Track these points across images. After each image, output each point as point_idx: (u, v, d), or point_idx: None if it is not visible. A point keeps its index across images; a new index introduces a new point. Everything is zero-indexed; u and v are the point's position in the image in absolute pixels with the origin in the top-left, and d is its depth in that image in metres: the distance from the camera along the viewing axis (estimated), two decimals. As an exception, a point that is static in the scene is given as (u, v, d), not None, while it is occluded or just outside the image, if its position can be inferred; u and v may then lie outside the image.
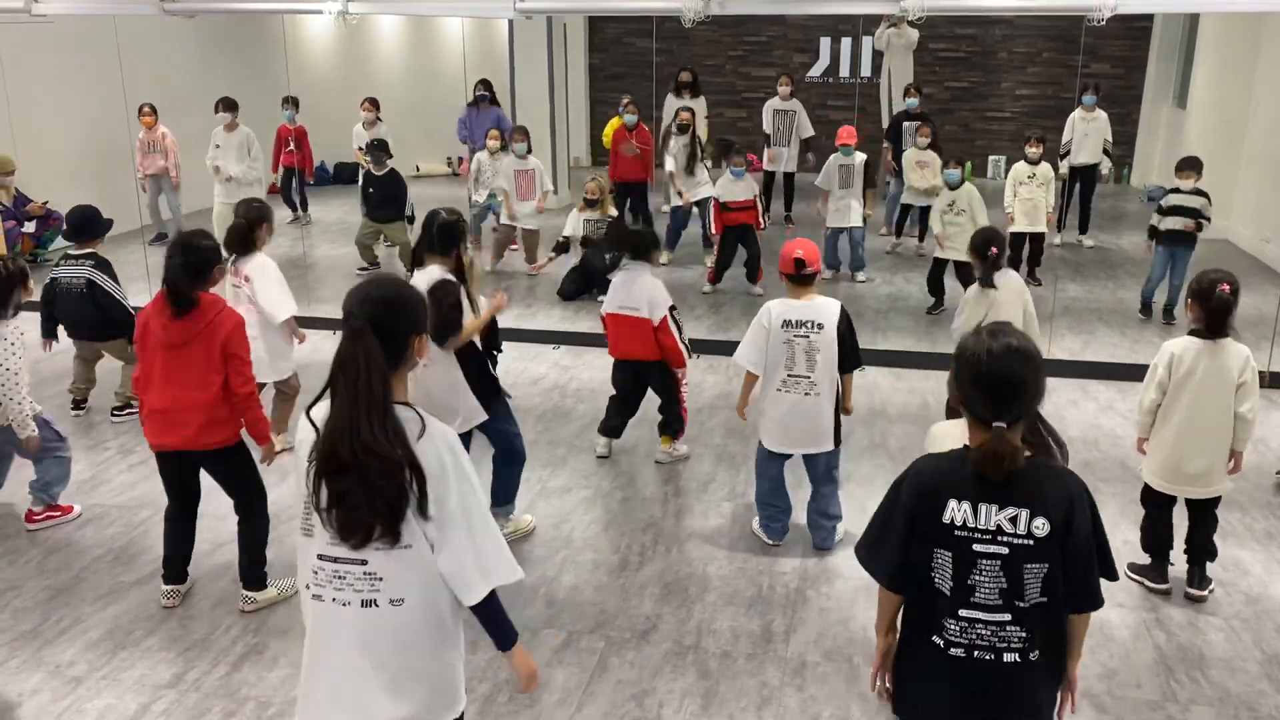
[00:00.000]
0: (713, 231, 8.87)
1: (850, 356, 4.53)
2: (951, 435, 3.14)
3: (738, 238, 8.60)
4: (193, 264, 3.91)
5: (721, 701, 3.69)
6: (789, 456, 4.71)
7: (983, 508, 2.28)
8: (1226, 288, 4.03)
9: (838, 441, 4.60)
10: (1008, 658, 2.32)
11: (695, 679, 3.81)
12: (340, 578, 2.33)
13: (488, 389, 4.53)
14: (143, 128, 9.61)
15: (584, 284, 8.54)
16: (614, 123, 10.25)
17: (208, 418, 3.95)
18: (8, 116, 9.13)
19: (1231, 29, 10.78)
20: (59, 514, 4.95)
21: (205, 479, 4.21)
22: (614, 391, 5.67)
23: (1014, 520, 2.27)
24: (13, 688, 3.75)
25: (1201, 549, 4.32)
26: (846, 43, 14.05)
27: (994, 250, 5.22)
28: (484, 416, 4.51)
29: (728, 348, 7.26)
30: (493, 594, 2.41)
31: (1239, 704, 3.70)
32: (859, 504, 5.09)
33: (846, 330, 4.49)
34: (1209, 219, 7.61)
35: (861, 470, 5.49)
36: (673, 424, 5.61)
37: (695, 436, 5.94)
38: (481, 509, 2.39)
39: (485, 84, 10.47)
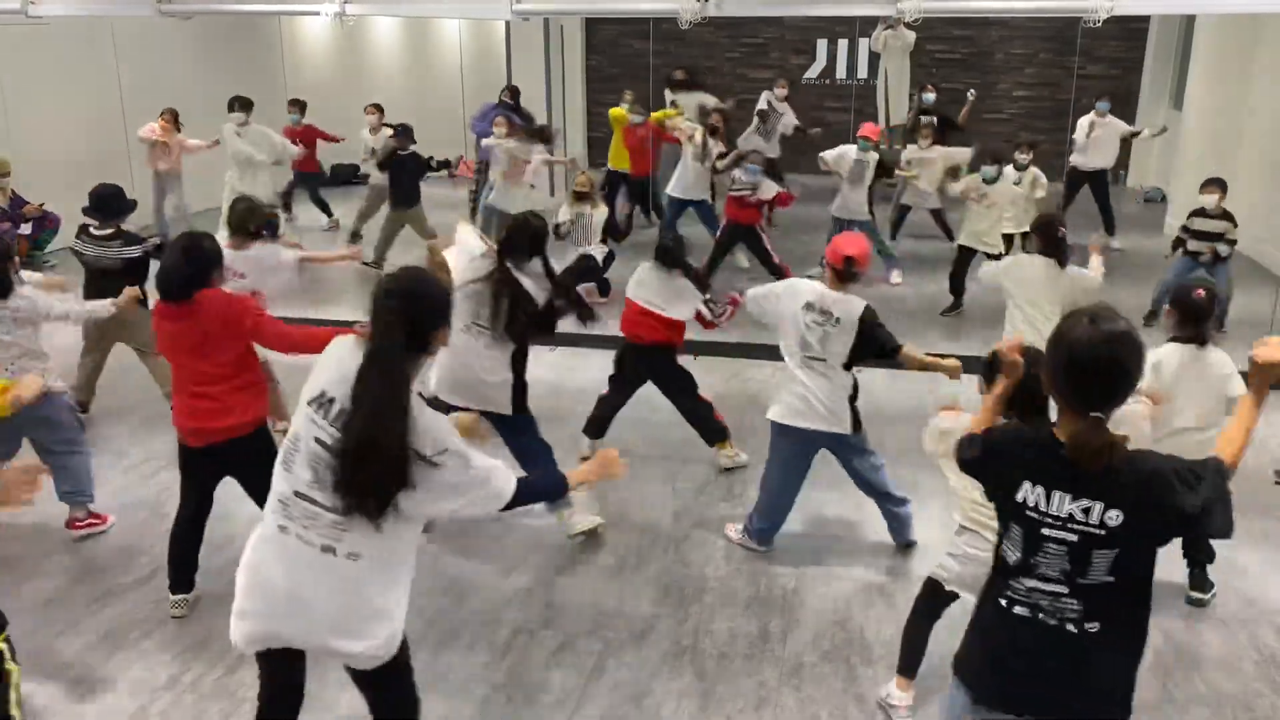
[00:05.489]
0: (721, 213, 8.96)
1: (885, 349, 4.38)
2: (955, 429, 3.21)
3: (739, 236, 8.65)
4: (194, 264, 3.91)
5: (719, 702, 3.69)
6: (802, 457, 4.59)
7: (1055, 494, 2.24)
8: (1202, 293, 4.10)
9: (856, 427, 4.48)
10: (1069, 627, 2.29)
11: (692, 680, 3.81)
12: (312, 518, 2.48)
13: (521, 391, 4.67)
14: (159, 129, 9.56)
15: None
16: (619, 113, 10.23)
17: (229, 403, 3.96)
18: (4, 118, 9.12)
19: (1227, 30, 10.80)
20: (100, 522, 4.86)
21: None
22: (611, 375, 5.64)
23: (1087, 511, 2.22)
24: (9, 690, 3.74)
25: (1198, 548, 4.30)
26: (843, 44, 14.04)
27: (1064, 231, 5.45)
28: (508, 410, 4.62)
29: (726, 349, 7.30)
30: (517, 493, 2.62)
31: (1236, 704, 3.71)
32: (856, 503, 5.09)
33: (871, 328, 4.35)
34: (1233, 242, 7.56)
35: (859, 471, 5.48)
36: (714, 430, 5.52)
37: (693, 438, 5.92)
38: (471, 473, 2.53)
39: (511, 90, 10.52)
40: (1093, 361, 2.19)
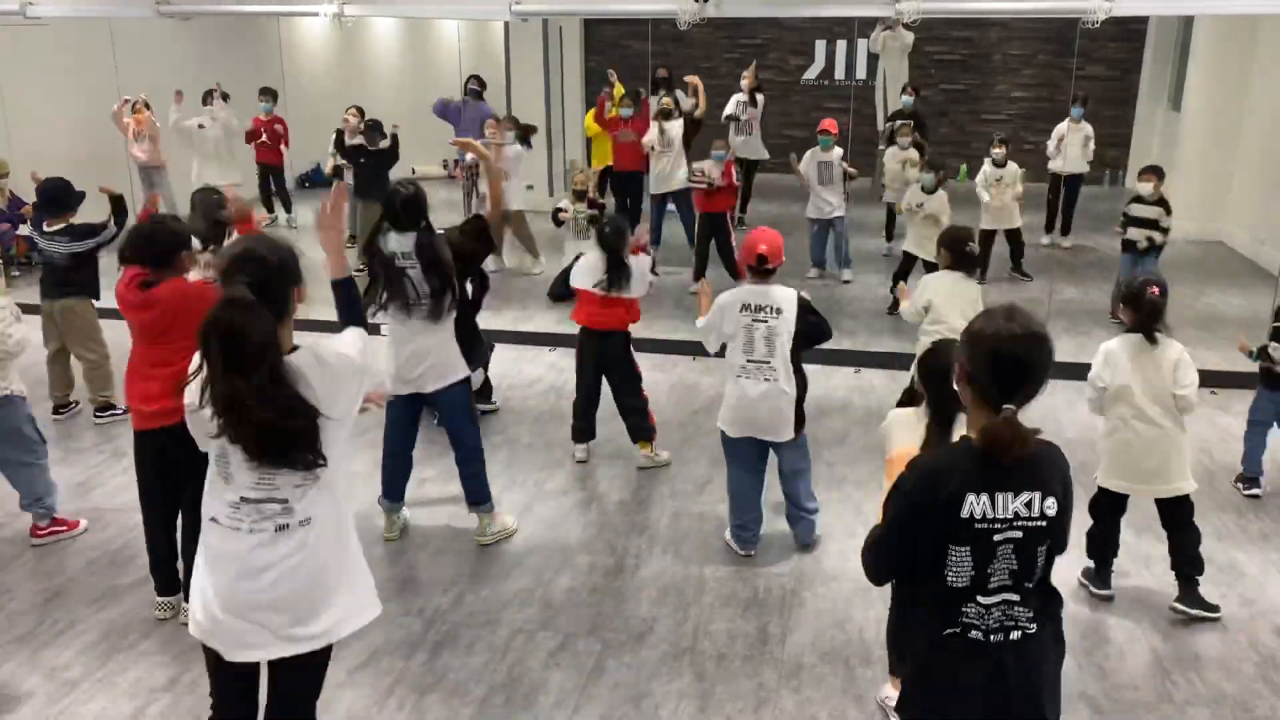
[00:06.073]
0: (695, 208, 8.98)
1: (819, 332, 4.57)
2: (909, 422, 3.34)
3: (711, 229, 8.72)
4: (159, 249, 3.97)
5: (718, 703, 3.69)
6: (758, 458, 4.63)
7: (999, 496, 2.28)
8: (1156, 290, 4.10)
9: (799, 429, 4.56)
10: (1014, 635, 2.34)
11: (691, 681, 3.81)
12: (261, 515, 2.58)
13: (471, 336, 4.69)
14: (132, 122, 9.53)
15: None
16: (595, 115, 10.20)
17: (171, 388, 3.92)
18: (3, 119, 9.12)
19: (1226, 31, 10.80)
20: (64, 529, 4.84)
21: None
22: (577, 384, 5.65)
23: (1029, 505, 2.29)
24: (8, 690, 3.74)
25: (1186, 560, 4.21)
26: (842, 45, 14.04)
27: (971, 245, 5.44)
28: (467, 371, 4.63)
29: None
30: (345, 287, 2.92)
31: (1235, 705, 3.71)
32: (855, 506, 5.10)
33: (808, 311, 4.50)
34: (1166, 229, 7.48)
35: (859, 473, 5.49)
36: (644, 428, 5.58)
37: (691, 438, 5.94)
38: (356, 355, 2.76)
39: (478, 79, 10.48)
40: (1012, 355, 2.27)
